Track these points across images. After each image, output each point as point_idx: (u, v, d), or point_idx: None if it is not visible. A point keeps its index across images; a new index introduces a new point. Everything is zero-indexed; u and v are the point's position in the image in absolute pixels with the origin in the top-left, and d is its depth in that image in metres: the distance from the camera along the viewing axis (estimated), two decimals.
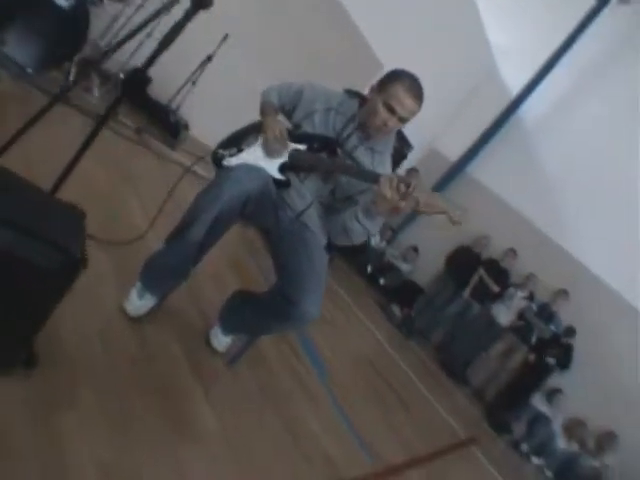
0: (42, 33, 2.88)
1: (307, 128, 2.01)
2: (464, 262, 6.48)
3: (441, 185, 7.36)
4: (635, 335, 5.80)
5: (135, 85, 3.76)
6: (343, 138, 1.98)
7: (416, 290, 6.88)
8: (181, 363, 1.88)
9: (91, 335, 1.61)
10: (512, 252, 6.41)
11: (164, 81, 4.19)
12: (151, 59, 1.56)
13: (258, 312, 1.98)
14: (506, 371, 6.06)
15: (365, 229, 1.86)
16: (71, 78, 3.12)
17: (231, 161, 2.08)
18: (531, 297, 6.12)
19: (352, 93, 2.21)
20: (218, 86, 4.61)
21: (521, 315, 6.00)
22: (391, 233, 7.39)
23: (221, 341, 2.15)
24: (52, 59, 2.98)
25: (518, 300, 6.06)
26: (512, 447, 5.47)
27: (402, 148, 5.63)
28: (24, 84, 2.83)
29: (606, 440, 5.50)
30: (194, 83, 4.23)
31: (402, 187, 1.68)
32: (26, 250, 1.07)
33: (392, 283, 6.91)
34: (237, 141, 2.14)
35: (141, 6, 3.58)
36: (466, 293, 6.31)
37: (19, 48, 2.84)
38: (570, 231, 6.41)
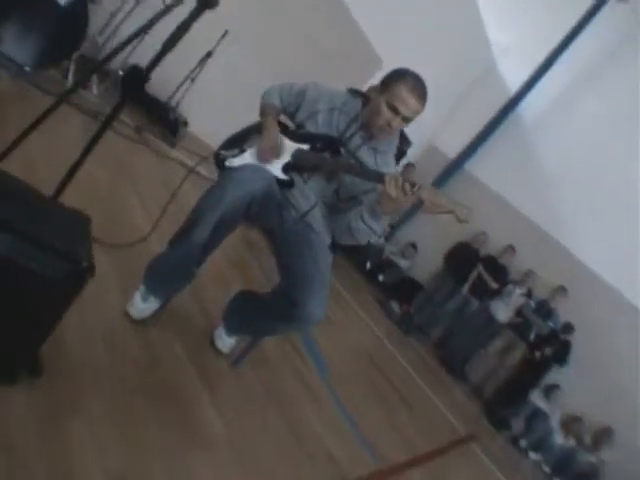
0: (40, 31, 2.85)
1: (310, 128, 2.00)
2: (463, 259, 6.48)
3: (439, 181, 7.34)
4: (633, 333, 5.83)
5: (135, 83, 3.75)
6: (346, 138, 1.97)
7: (415, 286, 6.89)
8: (186, 366, 1.87)
9: (95, 340, 1.60)
10: (510, 249, 6.42)
11: (163, 78, 4.15)
12: (155, 60, 1.54)
13: (262, 314, 1.97)
14: (504, 368, 6.08)
15: (370, 229, 1.85)
16: (70, 76, 3.09)
17: (233, 162, 2.06)
18: (529, 294, 6.13)
19: (355, 92, 2.20)
20: (217, 83, 4.58)
21: (519, 312, 6.02)
22: (389, 230, 7.39)
23: (225, 342, 2.14)
24: (50, 57, 2.95)
25: (516, 297, 6.07)
26: (511, 443, 5.51)
27: (401, 145, 5.62)
28: (22, 83, 2.80)
29: (602, 436, 5.55)
30: (193, 80, 4.20)
31: (407, 187, 1.67)
32: (31, 259, 1.05)
33: (391, 280, 6.92)
34: (239, 142, 2.12)
35: (140, 2, 3.55)
36: (465, 289, 6.32)
37: (17, 46, 2.81)
38: (568, 228, 6.42)
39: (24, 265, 1.04)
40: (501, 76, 7.29)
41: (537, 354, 5.77)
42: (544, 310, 5.99)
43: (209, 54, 4.11)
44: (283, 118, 2.11)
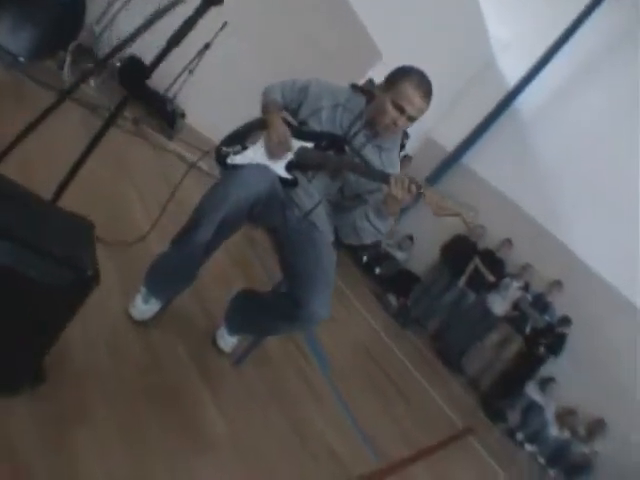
0: (35, 20, 2.79)
1: (314, 125, 1.96)
2: (460, 251, 6.47)
3: (437, 175, 7.33)
4: (629, 328, 5.86)
5: (133, 75, 3.70)
6: (351, 136, 1.94)
7: (412, 279, 6.88)
8: (188, 366, 1.86)
9: (97, 343, 1.57)
10: (508, 242, 6.42)
11: (160, 69, 4.09)
12: (159, 58, 1.50)
13: (265, 313, 1.95)
14: (501, 361, 6.11)
15: (376, 229, 1.83)
16: (66, 67, 3.03)
17: (235, 159, 2.02)
18: (526, 287, 6.14)
19: (358, 89, 2.16)
20: (215, 75, 4.52)
21: (516, 305, 6.03)
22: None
23: (227, 341, 2.12)
24: (46, 47, 2.89)
25: (513, 290, 6.07)
26: (507, 435, 5.55)
27: (401, 139, 5.58)
28: (17, 74, 2.74)
29: (596, 427, 5.60)
30: (191, 72, 4.14)
31: (413, 188, 1.66)
32: (34, 268, 1.01)
33: (388, 272, 6.90)
34: (241, 138, 2.06)
35: None
36: (462, 282, 6.32)
37: (11, 36, 2.75)
38: (566, 223, 6.42)
39: (27, 274, 1.01)
40: (500, 70, 7.25)
41: (541, 350, 5.79)
42: (541, 304, 6.01)
43: (207, 46, 4.04)
44: (285, 115, 2.07)
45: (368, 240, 1.90)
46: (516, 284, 6.09)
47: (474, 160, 7.25)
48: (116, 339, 1.67)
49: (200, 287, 2.23)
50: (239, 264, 3.06)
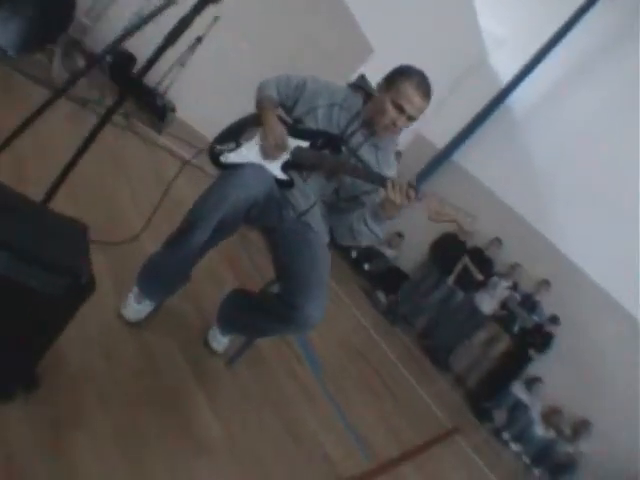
0: (24, 13, 2.72)
1: (309, 123, 1.93)
2: (449, 249, 6.49)
3: (427, 172, 7.32)
4: (616, 330, 5.93)
5: (124, 70, 3.65)
6: (347, 135, 1.92)
7: (401, 276, 6.90)
8: (183, 368, 1.84)
9: (92, 345, 1.55)
10: (497, 241, 6.45)
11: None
12: (157, 54, 1.46)
13: (259, 315, 1.92)
14: (488, 359, 6.16)
15: (373, 233, 1.82)
16: (55, 61, 2.97)
17: (229, 157, 1.98)
18: (515, 287, 6.18)
19: (356, 88, 2.14)
20: (207, 69, 4.47)
21: (504, 304, 6.06)
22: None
23: (220, 342, 2.10)
24: (35, 41, 2.82)
25: (501, 289, 6.10)
26: (493, 435, 5.59)
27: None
28: (5, 67, 2.68)
29: (581, 427, 5.66)
30: (183, 65, 4.09)
31: (412, 193, 1.65)
32: (28, 276, 0.98)
33: (377, 269, 6.91)
34: (234, 135, 2.02)
35: None
36: (450, 280, 6.34)
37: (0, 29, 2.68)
38: (556, 223, 6.44)
39: (20, 282, 0.97)
40: (492, 67, 7.24)
41: (528, 349, 5.83)
42: (529, 303, 6.05)
43: (199, 39, 4.00)
44: (280, 112, 2.04)
45: (364, 243, 1.89)
46: (504, 283, 6.12)
47: (465, 158, 7.23)
48: (110, 341, 1.64)
49: (191, 285, 2.21)
50: (228, 260, 3.01)
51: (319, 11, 5.22)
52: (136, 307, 1.79)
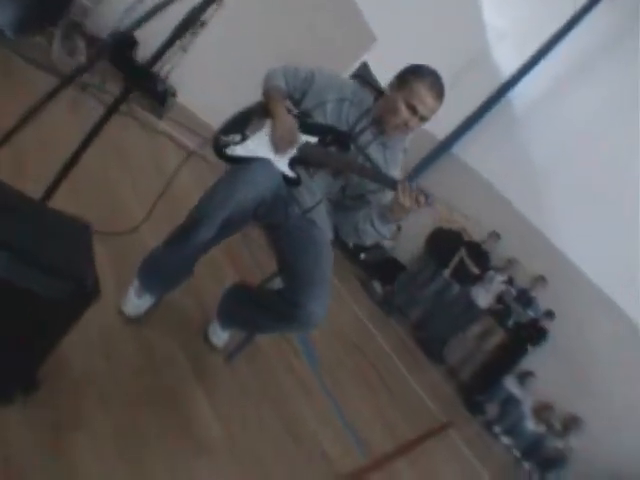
0: None
1: (318, 118, 1.87)
2: (445, 242, 6.47)
3: (426, 163, 7.29)
4: (610, 327, 5.96)
5: (124, 51, 3.57)
6: (356, 133, 1.87)
7: (398, 267, 6.90)
8: (183, 365, 1.82)
9: (92, 344, 1.53)
10: (494, 235, 6.44)
11: (152, 47, 3.96)
12: (161, 51, 1.42)
13: (261, 312, 1.89)
14: (482, 352, 6.19)
15: (379, 234, 1.80)
16: (55, 43, 2.90)
17: (236, 150, 1.92)
18: (510, 282, 6.19)
19: (364, 82, 2.09)
20: (210, 54, 4.40)
21: (500, 298, 6.08)
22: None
23: (220, 337, 2.08)
24: (34, 22, 2.74)
25: (497, 283, 6.11)
26: (485, 428, 5.64)
27: None
28: (4, 49, 2.61)
29: (571, 423, 5.71)
30: (185, 50, 4.02)
31: (422, 199, 1.63)
32: (30, 281, 0.95)
33: (373, 259, 6.90)
34: (240, 126, 1.94)
35: None
36: (446, 273, 6.34)
37: None
38: (554, 219, 6.44)
39: (23, 286, 0.94)
40: (495, 61, 7.17)
41: (522, 343, 5.86)
42: (525, 298, 6.07)
43: (203, 24, 3.92)
44: (288, 104, 1.98)
45: (369, 242, 1.88)
46: (500, 277, 6.13)
47: (464, 150, 7.20)
48: (110, 338, 1.62)
49: (192, 280, 2.19)
50: (228, 253, 2.98)
51: (324, 1, 5.14)
52: (136, 302, 1.76)
